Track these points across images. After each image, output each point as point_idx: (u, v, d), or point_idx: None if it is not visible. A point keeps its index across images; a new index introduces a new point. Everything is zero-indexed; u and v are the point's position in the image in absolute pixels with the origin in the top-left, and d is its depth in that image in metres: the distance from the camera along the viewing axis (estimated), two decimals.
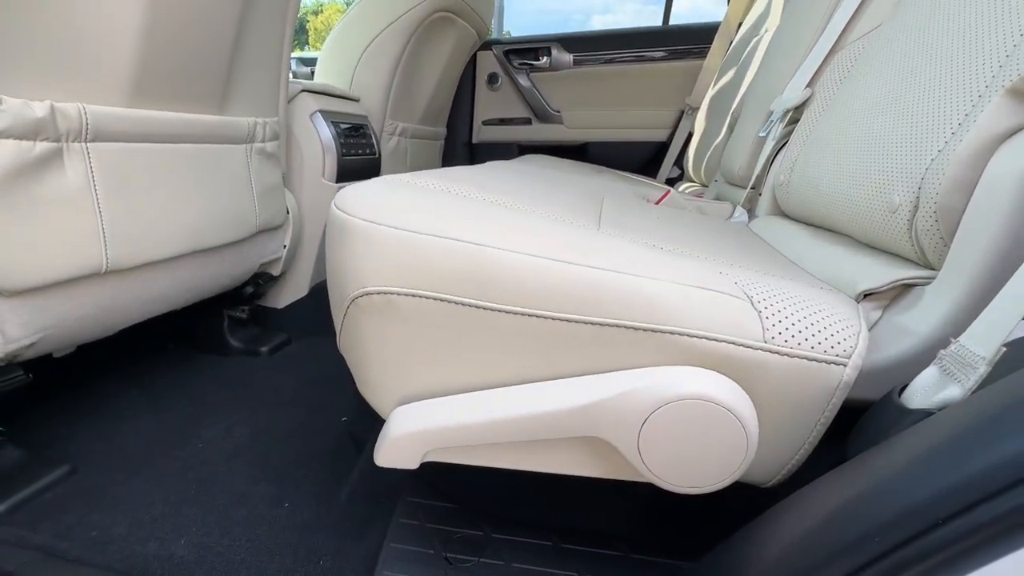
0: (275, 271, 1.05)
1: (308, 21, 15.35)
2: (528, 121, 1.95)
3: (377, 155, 1.28)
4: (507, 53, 1.88)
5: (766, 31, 1.34)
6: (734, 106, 1.25)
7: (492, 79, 1.92)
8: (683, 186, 1.59)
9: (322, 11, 15.49)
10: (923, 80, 0.48)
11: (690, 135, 1.74)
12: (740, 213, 0.86)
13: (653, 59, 1.80)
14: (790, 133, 0.82)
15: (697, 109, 1.73)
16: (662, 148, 1.87)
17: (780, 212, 0.81)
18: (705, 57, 1.75)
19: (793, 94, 0.79)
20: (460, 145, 1.98)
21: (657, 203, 0.88)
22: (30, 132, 0.55)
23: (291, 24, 0.91)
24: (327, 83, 1.30)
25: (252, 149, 0.87)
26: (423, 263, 0.37)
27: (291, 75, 2.06)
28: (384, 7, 1.26)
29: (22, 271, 0.57)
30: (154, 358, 0.99)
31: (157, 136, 0.68)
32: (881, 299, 0.43)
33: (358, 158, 1.19)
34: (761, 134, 0.85)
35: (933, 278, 0.41)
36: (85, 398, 0.84)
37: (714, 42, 1.70)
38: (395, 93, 1.36)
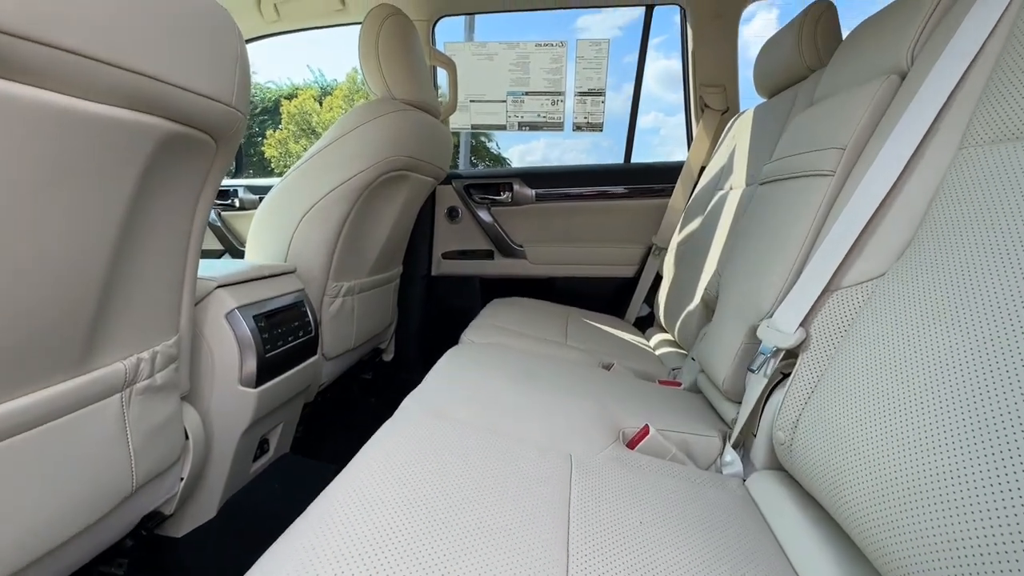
0: (168, 510, 0.84)
1: (282, 104, 15.77)
2: (490, 255, 1.85)
3: (313, 333, 1.13)
4: (467, 188, 1.82)
5: (731, 189, 1.29)
6: (706, 279, 1.17)
7: (452, 213, 1.84)
8: (656, 337, 1.49)
9: (296, 95, 15.98)
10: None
11: (659, 276, 1.67)
12: (732, 459, 0.73)
13: (617, 196, 1.76)
14: (781, 374, 0.70)
15: (664, 250, 1.67)
16: (629, 285, 1.79)
17: (780, 466, 0.68)
18: (669, 196, 1.72)
19: (786, 330, 0.68)
20: (418, 278, 1.85)
21: (632, 446, 0.74)
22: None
23: (198, 232, 0.77)
24: (255, 260, 1.16)
25: (131, 393, 0.69)
26: None
27: (223, 228, 1.91)
28: (324, 174, 1.15)
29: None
30: None
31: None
32: None
33: (287, 347, 1.03)
34: (752, 368, 0.73)
35: None
36: None
37: (677, 183, 1.67)
38: (339, 254, 1.24)
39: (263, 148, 17.81)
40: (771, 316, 0.74)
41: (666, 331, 1.48)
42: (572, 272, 1.81)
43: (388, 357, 1.86)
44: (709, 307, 1.13)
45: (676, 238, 1.56)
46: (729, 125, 1.46)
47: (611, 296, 1.83)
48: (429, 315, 1.90)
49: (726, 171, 1.36)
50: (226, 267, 1.00)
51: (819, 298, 0.67)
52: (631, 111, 1.72)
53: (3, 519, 0.53)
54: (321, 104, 15.51)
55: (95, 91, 0.46)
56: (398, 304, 1.80)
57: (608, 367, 1.16)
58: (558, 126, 1.80)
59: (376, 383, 1.82)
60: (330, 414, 1.53)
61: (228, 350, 0.91)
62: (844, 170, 0.74)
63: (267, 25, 1.68)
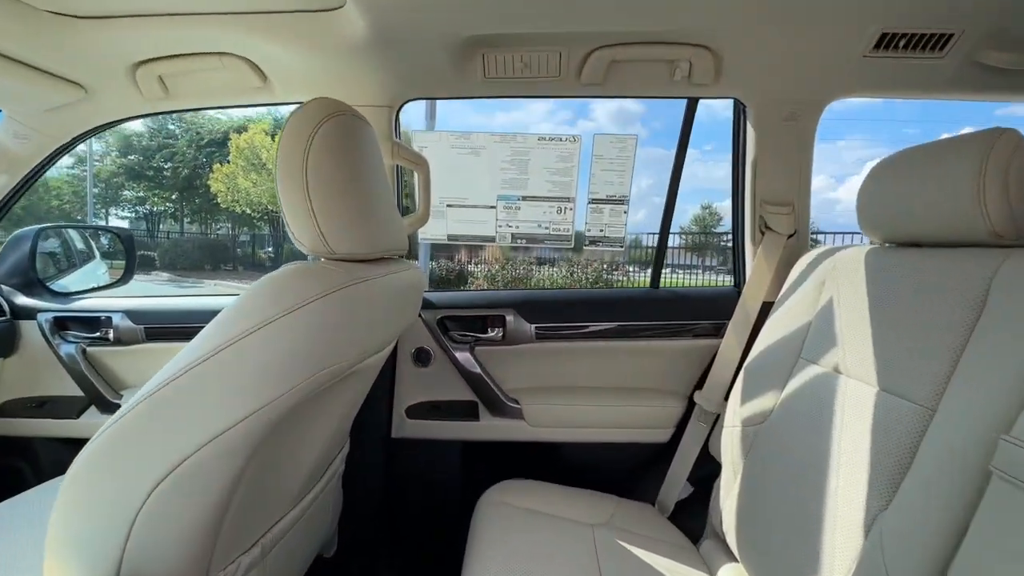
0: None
1: (231, 138, 14.95)
2: (473, 411, 1.35)
3: None
4: (443, 321, 1.33)
5: (843, 377, 0.87)
6: (809, 494, 0.72)
7: (421, 356, 1.34)
8: (726, 570, 1.02)
9: (247, 128, 15.20)
10: None
11: (706, 449, 1.22)
12: None
13: (645, 333, 1.31)
14: None
15: (715, 416, 1.23)
16: (663, 454, 1.33)
17: None
18: (715, 336, 1.29)
19: None
20: (372, 443, 1.32)
21: None
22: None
23: None
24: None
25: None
26: None
27: None
28: (199, 407, 0.64)
29: None
30: None
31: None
32: None
33: None
34: None
35: None
36: None
37: (730, 326, 1.24)
38: (232, 523, 0.71)
39: (209, 182, 16.72)
40: None
41: (735, 558, 1.02)
42: (584, 437, 1.34)
43: (329, 552, 1.30)
44: (815, 541, 0.69)
45: (739, 409, 1.12)
46: (812, 264, 1.04)
47: (639, 469, 1.36)
48: (391, 491, 1.37)
49: (825, 339, 0.93)
50: None
51: None
52: (663, 224, 1.29)
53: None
54: (273, 139, 14.72)
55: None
56: (342, 482, 1.26)
57: None
58: (565, 240, 1.35)
59: None
60: None
61: None
62: None
63: (147, 103, 1.17)
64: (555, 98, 1.16)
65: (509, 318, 1.32)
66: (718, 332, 1.30)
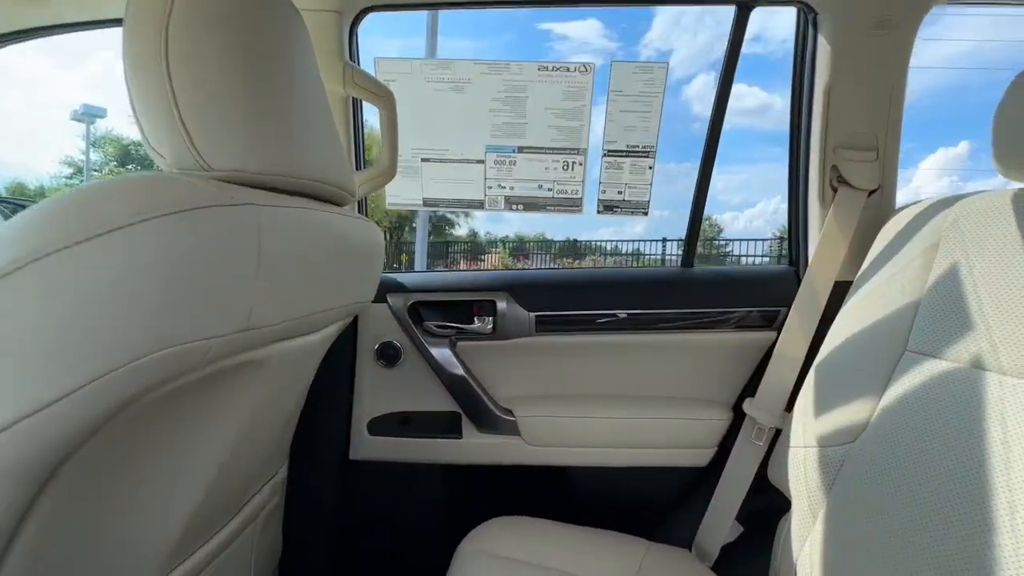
0: None
1: None
2: (455, 426, 1.05)
3: None
4: (415, 308, 1.03)
5: (987, 373, 0.56)
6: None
7: (387, 353, 1.03)
8: None
9: None
10: None
11: (761, 475, 0.91)
12: None
13: (676, 323, 1.01)
14: None
15: (773, 432, 0.92)
16: (702, 481, 1.02)
17: None
18: (771, 328, 0.99)
19: None
20: (318, 469, 1.02)
21: None
22: None
23: None
24: None
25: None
26: None
27: None
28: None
29: None
30: None
31: None
32: None
33: None
34: None
35: None
36: None
37: (791, 311, 0.94)
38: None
39: None
40: None
41: None
42: (599, 460, 1.03)
43: None
44: None
45: (812, 422, 0.81)
46: (915, 224, 0.74)
47: (671, 503, 1.05)
48: (346, 530, 1.06)
49: (949, 324, 0.63)
50: None
51: None
52: (700, 177, 1.00)
53: None
54: None
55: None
56: (291, 518, 0.96)
57: None
58: (573, 205, 1.06)
59: None
60: None
61: None
62: None
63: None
64: (566, 6, 0.87)
65: (501, 304, 1.02)
66: (772, 322, 1.00)
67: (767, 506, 0.87)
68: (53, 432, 0.35)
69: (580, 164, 1.02)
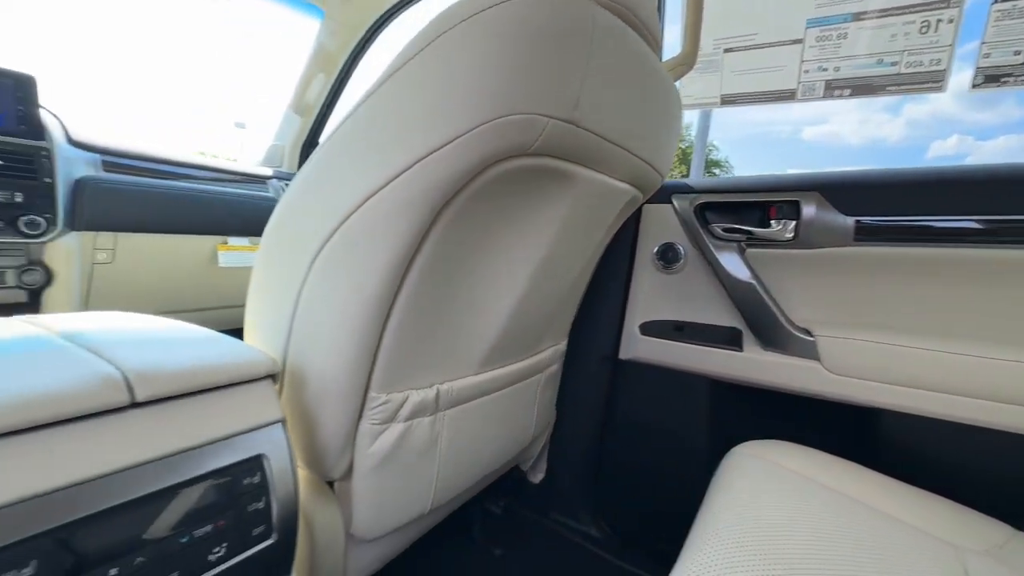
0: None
1: None
2: (736, 339, 0.96)
3: (273, 539, 0.47)
4: (702, 209, 0.97)
5: None
6: None
7: (667, 255, 1.01)
8: None
9: None
10: None
11: None
12: None
13: None
14: None
15: None
16: None
17: None
18: None
19: None
20: (594, 363, 1.08)
21: None
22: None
23: None
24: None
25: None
26: None
27: None
28: (361, 153, 0.49)
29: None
30: None
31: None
32: None
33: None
34: None
35: None
36: None
37: None
38: (397, 335, 0.55)
39: None
40: None
41: None
42: (925, 406, 0.79)
43: (536, 477, 1.12)
44: None
45: None
46: None
47: None
48: (611, 426, 1.11)
49: None
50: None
51: None
52: None
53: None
54: None
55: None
56: (558, 401, 1.06)
57: None
58: (930, 81, 0.82)
59: (507, 524, 1.10)
60: None
61: None
62: None
63: None
64: None
65: (808, 207, 0.87)
66: None
67: None
68: (439, 172, 0.46)
69: (950, 22, 0.78)
